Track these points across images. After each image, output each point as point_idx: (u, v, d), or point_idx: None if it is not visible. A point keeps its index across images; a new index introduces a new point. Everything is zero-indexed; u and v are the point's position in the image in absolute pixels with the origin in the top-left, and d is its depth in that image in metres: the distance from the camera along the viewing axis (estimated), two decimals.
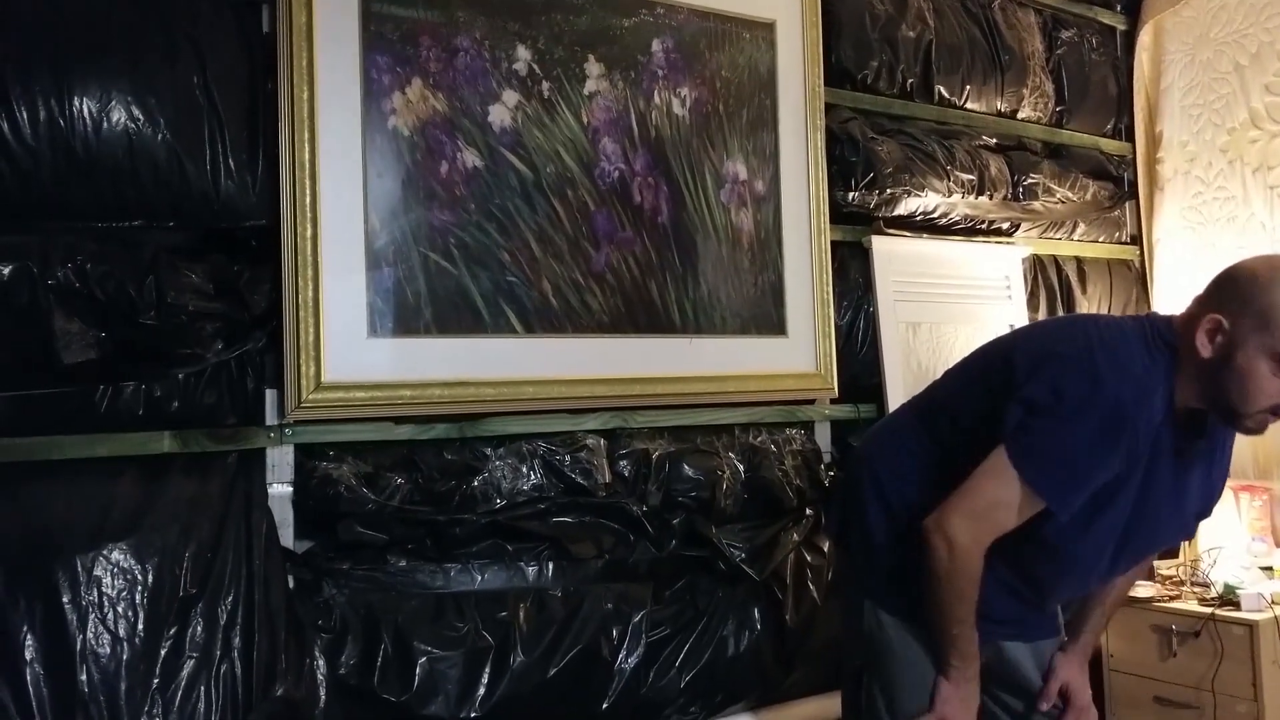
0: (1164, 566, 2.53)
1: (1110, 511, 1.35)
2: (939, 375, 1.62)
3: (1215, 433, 1.41)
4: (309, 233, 1.65)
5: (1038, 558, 1.40)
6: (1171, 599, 2.41)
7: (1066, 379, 1.31)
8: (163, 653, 1.48)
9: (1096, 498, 1.33)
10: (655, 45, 2.02)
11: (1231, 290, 1.29)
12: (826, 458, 2.26)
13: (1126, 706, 2.43)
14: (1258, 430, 1.34)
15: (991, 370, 1.44)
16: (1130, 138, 2.95)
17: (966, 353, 1.59)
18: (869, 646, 1.49)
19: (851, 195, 2.29)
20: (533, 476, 1.85)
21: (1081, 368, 1.31)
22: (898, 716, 1.47)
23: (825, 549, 2.15)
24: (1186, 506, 1.44)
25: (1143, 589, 2.43)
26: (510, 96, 1.85)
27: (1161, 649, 2.36)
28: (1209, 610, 2.29)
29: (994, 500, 1.33)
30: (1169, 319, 1.37)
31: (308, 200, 1.65)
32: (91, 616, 1.45)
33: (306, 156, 1.65)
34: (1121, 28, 2.99)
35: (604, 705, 1.81)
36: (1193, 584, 2.44)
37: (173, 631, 1.50)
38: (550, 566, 1.86)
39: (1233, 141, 2.74)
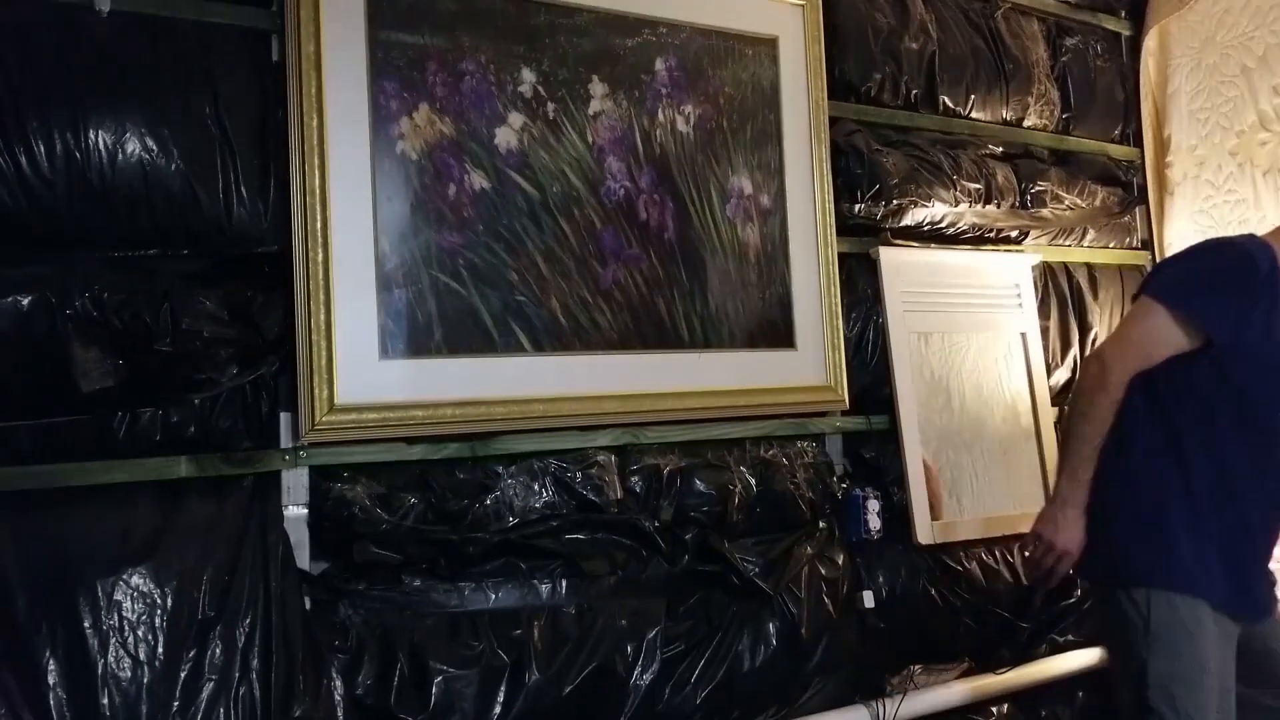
0: None
1: (1270, 350, 1.57)
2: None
3: None
4: (320, 257, 1.68)
5: (1241, 448, 1.59)
6: None
7: (1196, 245, 1.72)
8: (182, 675, 1.50)
9: (1253, 330, 1.56)
10: (658, 64, 2.04)
11: None
12: (838, 470, 2.26)
13: None
14: None
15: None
16: (1138, 143, 2.95)
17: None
18: (1157, 636, 1.58)
19: (858, 207, 2.30)
20: (545, 494, 1.86)
21: (1208, 240, 1.74)
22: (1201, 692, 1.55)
23: (839, 561, 2.14)
24: None
25: None
26: (516, 118, 1.87)
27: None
28: None
29: (1141, 330, 1.62)
30: None
31: (319, 225, 1.68)
32: (112, 640, 1.46)
33: (317, 182, 1.68)
34: (1126, 33, 2.99)
35: None
36: None
37: (192, 654, 1.51)
38: (564, 584, 1.86)
39: (1242, 144, 2.73)
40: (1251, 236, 1.75)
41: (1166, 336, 1.58)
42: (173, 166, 1.58)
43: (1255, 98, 2.70)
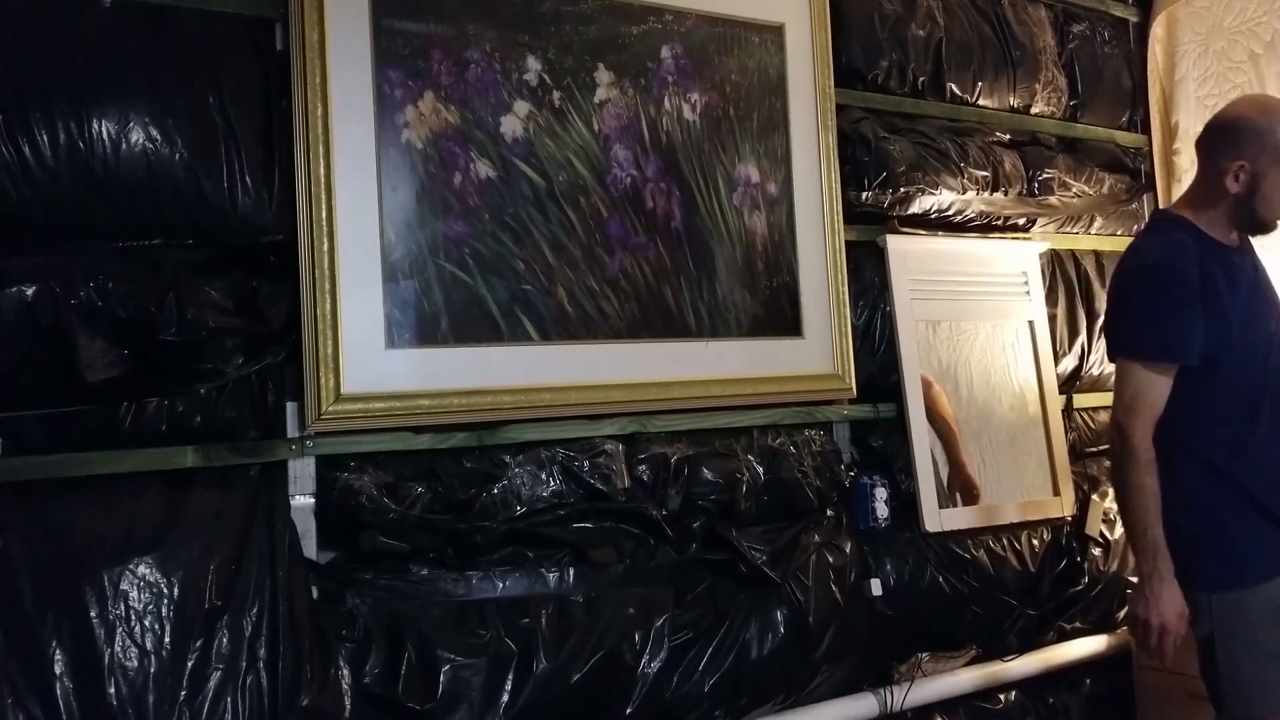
0: None
1: (1232, 315, 1.67)
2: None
3: (1248, 246, 1.83)
4: (326, 247, 1.67)
5: (1229, 400, 1.68)
6: None
7: (1118, 284, 1.79)
8: (189, 665, 1.50)
9: (1211, 318, 1.65)
10: (664, 52, 2.03)
11: (1240, 137, 1.69)
12: (846, 458, 2.25)
13: (1158, 704, 2.40)
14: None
15: None
16: (1145, 130, 2.93)
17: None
18: (1224, 633, 1.67)
19: (865, 195, 2.29)
20: (552, 483, 1.86)
21: (1123, 272, 1.78)
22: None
23: (847, 549, 2.14)
24: (1272, 299, 1.80)
25: None
26: (521, 107, 1.86)
27: (1194, 644, 2.33)
28: None
29: (1132, 390, 1.69)
30: (1165, 208, 1.92)
31: (324, 215, 1.67)
32: (119, 630, 1.46)
33: (322, 172, 1.67)
34: (1134, 20, 2.97)
35: (628, 710, 1.81)
36: None
37: (199, 644, 1.51)
38: (571, 572, 1.86)
39: None
40: (1165, 219, 1.82)
41: (1155, 384, 1.68)
42: (176, 156, 1.57)
43: (1263, 84, 2.67)
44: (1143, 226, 1.89)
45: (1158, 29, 2.91)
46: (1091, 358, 2.68)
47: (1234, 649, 1.64)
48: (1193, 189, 1.81)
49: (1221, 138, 1.73)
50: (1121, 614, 2.55)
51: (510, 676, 1.72)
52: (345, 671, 1.63)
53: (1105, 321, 1.80)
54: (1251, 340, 1.70)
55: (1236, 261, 1.75)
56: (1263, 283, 1.81)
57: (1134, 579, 2.45)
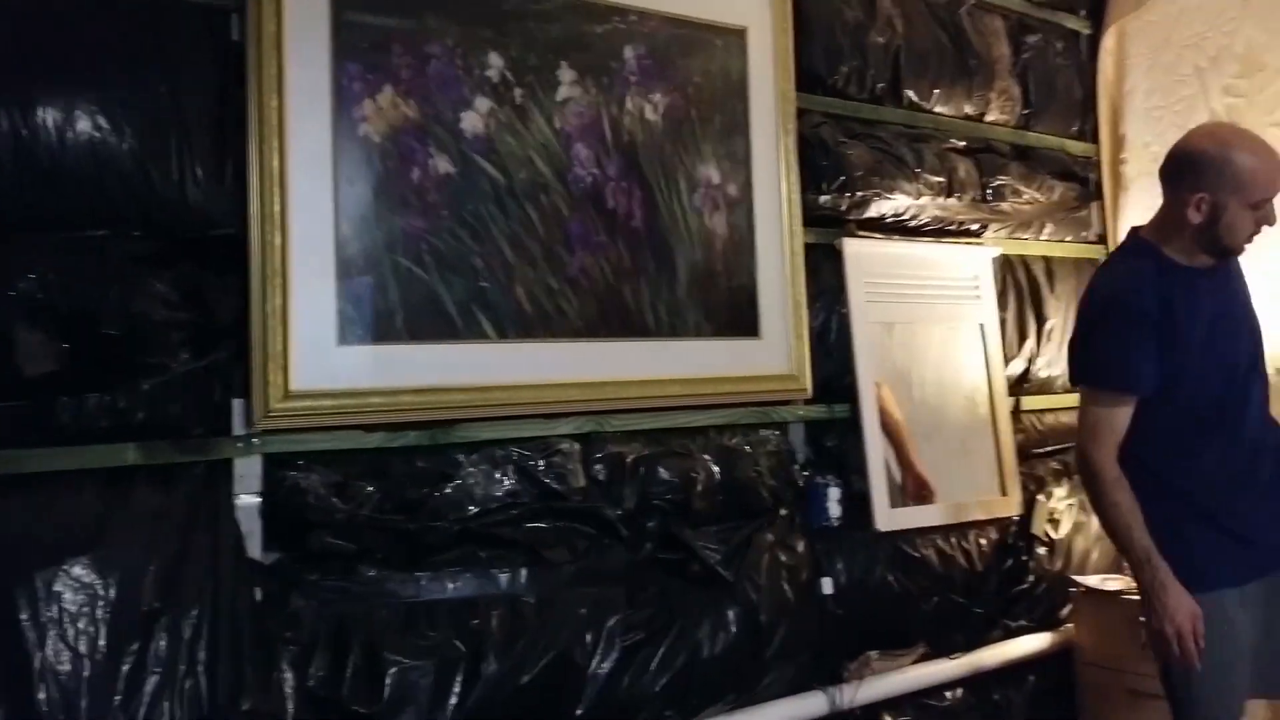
0: None
1: (1191, 339, 1.70)
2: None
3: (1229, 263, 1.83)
4: (278, 241, 1.63)
5: (1184, 418, 1.72)
6: None
7: (1082, 313, 1.86)
8: (125, 669, 1.45)
9: (1169, 348, 1.69)
10: (628, 52, 2.02)
11: (1199, 170, 1.71)
12: (800, 458, 2.27)
13: (1098, 700, 2.46)
14: (1245, 249, 1.79)
15: None
16: (1095, 139, 2.99)
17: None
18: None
19: (823, 198, 2.31)
20: (506, 482, 1.84)
21: (1088, 301, 1.85)
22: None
23: (799, 549, 2.16)
24: (1243, 316, 1.83)
25: (1114, 581, 2.46)
26: (482, 103, 1.84)
27: (1134, 641, 2.38)
28: None
29: (1093, 417, 1.74)
30: (1139, 227, 1.87)
31: (276, 208, 1.63)
32: (51, 633, 1.41)
33: (275, 164, 1.63)
34: (1086, 32, 3.02)
35: (578, 711, 1.81)
36: None
37: (135, 647, 1.47)
38: (523, 573, 1.84)
39: None
40: (1133, 245, 1.84)
41: (1114, 412, 1.72)
42: (125, 145, 1.52)
43: (1207, 97, 2.75)
44: (1113, 249, 1.94)
45: (1108, 42, 2.97)
46: (1039, 361, 2.73)
47: None
48: (1161, 215, 1.81)
49: (1181, 170, 1.75)
50: (1064, 611, 2.61)
51: (459, 678, 1.70)
52: (289, 674, 1.59)
53: (1069, 348, 1.84)
54: (1212, 361, 1.72)
55: (1204, 284, 1.76)
56: (1238, 301, 1.83)
57: (1077, 576, 2.51)
